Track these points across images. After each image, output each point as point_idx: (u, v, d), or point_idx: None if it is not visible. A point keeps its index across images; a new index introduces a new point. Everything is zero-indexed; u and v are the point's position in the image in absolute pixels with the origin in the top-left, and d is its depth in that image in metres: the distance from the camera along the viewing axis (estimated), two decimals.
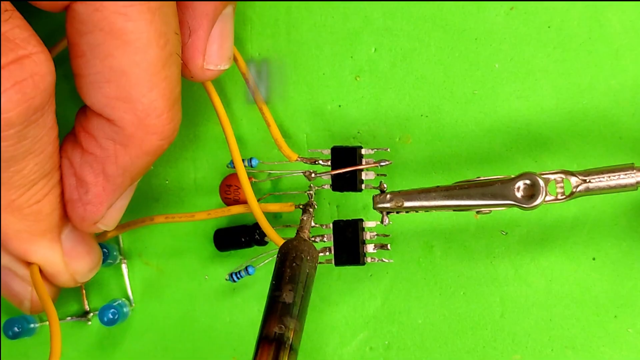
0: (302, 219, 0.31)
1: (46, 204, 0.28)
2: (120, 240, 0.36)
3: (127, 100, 0.26)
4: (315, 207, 0.32)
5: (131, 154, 0.27)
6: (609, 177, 0.27)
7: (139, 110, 0.26)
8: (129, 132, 0.27)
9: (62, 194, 0.29)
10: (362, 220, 0.31)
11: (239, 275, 0.33)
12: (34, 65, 0.24)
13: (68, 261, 0.31)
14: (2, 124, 0.24)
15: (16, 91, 0.24)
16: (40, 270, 0.30)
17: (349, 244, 0.31)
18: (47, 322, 0.36)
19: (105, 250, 0.34)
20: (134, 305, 0.36)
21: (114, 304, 0.35)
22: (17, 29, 0.24)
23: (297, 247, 0.28)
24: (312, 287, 0.28)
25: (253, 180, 0.33)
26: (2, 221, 0.28)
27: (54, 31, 0.31)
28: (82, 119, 0.28)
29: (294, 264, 0.28)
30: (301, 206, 0.32)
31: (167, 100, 0.27)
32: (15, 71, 0.24)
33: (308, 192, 0.32)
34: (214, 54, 0.29)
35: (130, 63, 0.25)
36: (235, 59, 0.33)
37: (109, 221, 0.30)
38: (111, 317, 0.35)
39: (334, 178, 0.31)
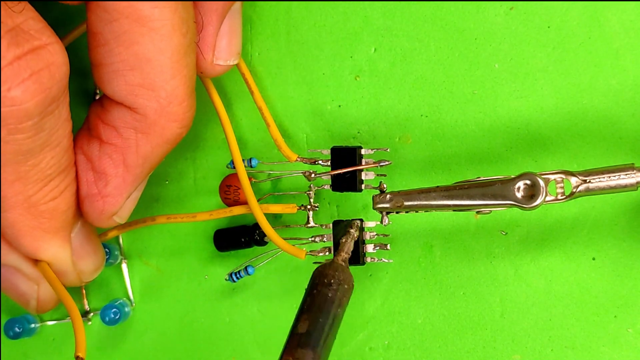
0: (341, 241, 0.30)
1: (62, 201, 0.28)
2: (121, 240, 0.36)
3: (151, 87, 0.26)
4: (358, 227, 0.31)
5: (152, 143, 0.28)
6: (609, 177, 0.27)
7: (162, 98, 0.27)
8: (151, 120, 0.27)
9: (78, 191, 0.29)
10: (362, 220, 0.31)
11: (238, 275, 0.33)
12: (49, 56, 0.25)
13: (76, 260, 0.31)
14: (20, 115, 0.24)
15: (33, 81, 0.24)
16: None
17: None
18: (48, 323, 0.36)
19: (106, 250, 0.34)
20: (134, 305, 0.36)
21: (116, 303, 0.35)
22: (31, 20, 0.24)
23: (322, 273, 0.28)
24: (338, 313, 0.27)
25: (253, 180, 0.33)
26: (16, 217, 0.28)
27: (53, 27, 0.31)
28: (99, 111, 0.28)
29: (315, 291, 0.27)
30: (303, 207, 0.32)
31: (187, 87, 0.27)
32: (31, 61, 0.24)
33: (308, 192, 0.32)
34: (224, 50, 0.29)
35: (155, 50, 0.26)
36: None
37: (124, 213, 0.30)
38: (113, 316, 0.35)
39: (334, 178, 0.31)
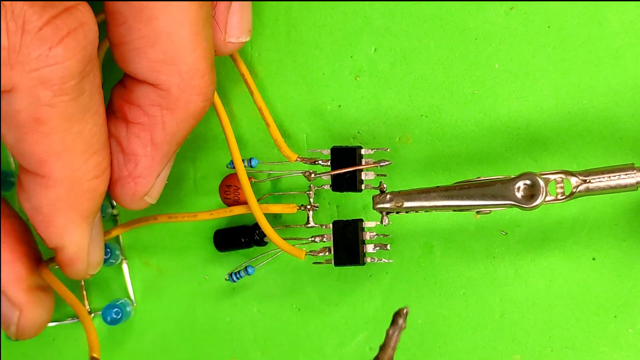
0: (388, 333, 0.25)
1: (102, 182, 0.28)
2: (121, 240, 0.36)
3: (172, 62, 0.27)
4: (406, 316, 0.25)
5: (177, 118, 0.28)
6: (609, 177, 0.27)
7: (184, 72, 0.27)
8: (175, 95, 0.27)
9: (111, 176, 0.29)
10: (362, 220, 0.31)
11: (238, 275, 0.33)
12: (81, 15, 0.25)
13: (91, 250, 0.30)
14: (64, 74, 0.24)
15: (72, 39, 0.24)
16: (56, 256, 0.30)
17: (348, 244, 0.31)
18: (48, 324, 0.36)
19: (107, 250, 0.34)
20: (135, 304, 0.36)
21: (117, 303, 0.35)
22: None
23: None
24: None
25: (253, 180, 0.33)
26: (58, 194, 0.27)
27: None
28: (122, 92, 0.28)
29: None
30: (303, 207, 0.32)
31: (208, 60, 0.27)
32: (67, 20, 0.24)
33: (308, 192, 0.32)
34: (235, 27, 0.30)
35: (174, 24, 0.26)
36: (234, 60, 0.33)
37: (155, 192, 0.30)
38: (115, 316, 0.35)
39: (334, 178, 0.31)
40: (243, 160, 0.32)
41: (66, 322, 0.36)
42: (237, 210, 0.33)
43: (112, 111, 0.29)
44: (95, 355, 0.28)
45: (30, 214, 0.28)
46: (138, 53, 0.27)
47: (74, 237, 0.29)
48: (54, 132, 0.26)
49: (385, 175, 0.32)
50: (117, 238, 0.36)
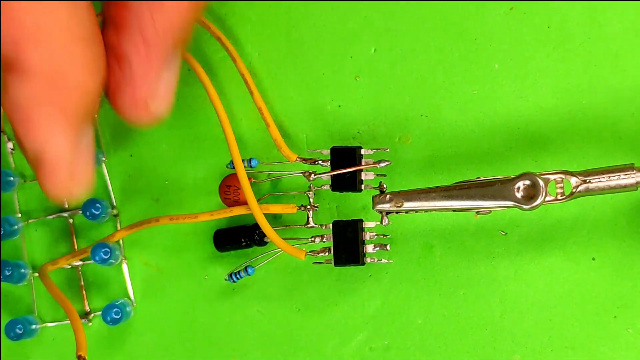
0: None
1: (92, 79, 0.26)
2: (121, 240, 0.36)
3: None
4: None
5: (167, 13, 0.26)
6: (609, 177, 0.27)
7: None
8: None
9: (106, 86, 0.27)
10: (361, 220, 0.31)
11: (238, 276, 0.33)
12: None
13: (76, 162, 0.27)
14: None
15: None
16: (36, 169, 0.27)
17: (348, 244, 0.31)
18: (49, 324, 0.37)
19: (107, 249, 0.34)
20: (135, 305, 0.36)
21: (117, 303, 0.35)
22: None
23: None
24: None
25: (253, 180, 0.33)
26: (36, 88, 0.25)
27: None
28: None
29: None
30: (303, 207, 0.32)
31: None
32: None
33: (307, 192, 0.32)
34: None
35: None
36: (234, 59, 0.33)
37: (161, 99, 0.28)
38: (115, 316, 0.35)
39: (334, 178, 0.31)
40: (243, 160, 0.32)
41: (66, 322, 0.36)
42: (237, 210, 0.33)
43: (101, 22, 0.27)
44: (81, 354, 0.28)
45: (10, 113, 0.26)
46: None
47: (56, 139, 0.26)
48: (25, 12, 0.24)
49: (385, 176, 0.32)
50: None
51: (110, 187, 0.36)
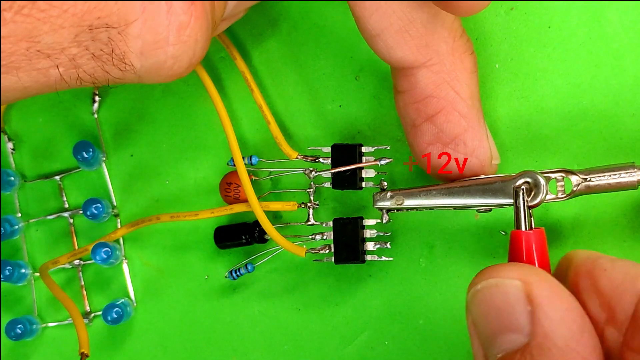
0: None
1: None
2: (122, 240, 0.36)
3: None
4: None
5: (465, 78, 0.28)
6: (610, 175, 0.27)
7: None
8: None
9: None
10: (362, 218, 0.31)
11: (238, 273, 0.33)
12: None
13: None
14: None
15: None
16: None
17: (349, 241, 0.31)
18: (49, 324, 0.36)
19: (107, 249, 0.34)
20: (135, 304, 0.36)
21: (117, 303, 0.35)
22: None
23: None
24: None
25: (253, 178, 0.33)
26: None
27: None
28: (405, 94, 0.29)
29: None
30: (304, 205, 0.32)
31: None
32: None
33: (308, 190, 0.32)
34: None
35: None
36: (235, 59, 0.33)
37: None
38: (115, 316, 0.35)
39: (334, 176, 0.31)
40: (243, 157, 0.32)
41: (66, 322, 0.36)
42: (238, 208, 0.33)
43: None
44: (84, 351, 0.28)
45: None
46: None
47: None
48: None
49: (385, 173, 0.32)
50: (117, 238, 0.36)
51: (110, 187, 0.36)
